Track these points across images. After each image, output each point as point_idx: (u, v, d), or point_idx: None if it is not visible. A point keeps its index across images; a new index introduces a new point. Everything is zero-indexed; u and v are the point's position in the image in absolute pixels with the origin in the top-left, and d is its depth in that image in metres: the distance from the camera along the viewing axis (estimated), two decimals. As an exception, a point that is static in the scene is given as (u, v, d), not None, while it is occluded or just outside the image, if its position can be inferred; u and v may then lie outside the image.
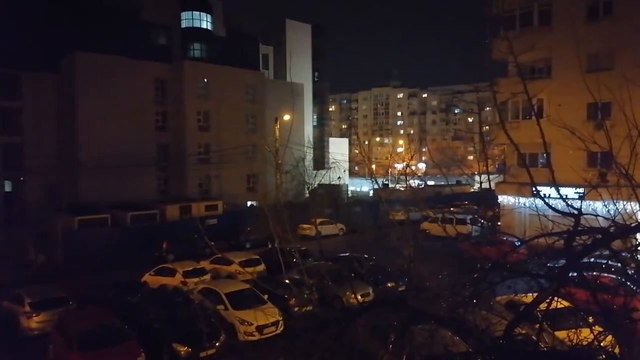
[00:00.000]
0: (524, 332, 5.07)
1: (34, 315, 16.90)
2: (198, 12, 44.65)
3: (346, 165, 57.30)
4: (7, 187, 38.76)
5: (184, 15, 44.52)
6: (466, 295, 4.72)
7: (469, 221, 21.08)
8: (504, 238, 11.39)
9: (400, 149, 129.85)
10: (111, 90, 38.36)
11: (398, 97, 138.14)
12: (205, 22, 45.11)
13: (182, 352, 14.41)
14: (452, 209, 37.44)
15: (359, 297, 18.19)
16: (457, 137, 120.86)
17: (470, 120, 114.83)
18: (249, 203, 45.43)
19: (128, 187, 37.62)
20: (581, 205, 4.67)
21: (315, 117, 62.57)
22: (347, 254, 22.57)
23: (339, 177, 42.70)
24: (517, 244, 5.58)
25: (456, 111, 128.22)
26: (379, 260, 21.61)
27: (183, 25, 44.62)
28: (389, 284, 19.08)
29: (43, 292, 18.42)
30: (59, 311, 16.66)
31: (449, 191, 41.58)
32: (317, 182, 31.40)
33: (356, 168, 75.17)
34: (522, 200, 26.41)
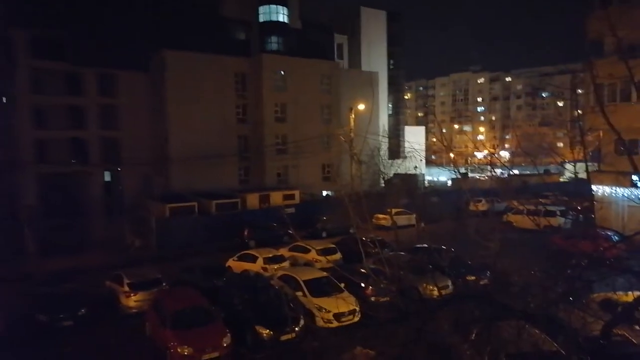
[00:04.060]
0: (622, 333, 4.70)
1: (132, 294, 18.48)
2: (275, 6, 45.68)
3: (423, 154, 55.92)
4: (107, 177, 42.66)
5: (262, 9, 45.76)
6: (559, 291, 4.47)
7: (559, 213, 19.66)
8: (601, 232, 10.51)
9: (481, 137, 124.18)
10: (196, 86, 40.61)
11: (478, 82, 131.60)
12: (281, 15, 46.06)
13: (265, 335, 15.05)
14: (539, 199, 35.18)
15: (437, 289, 17.86)
16: (545, 122, 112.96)
17: (560, 104, 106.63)
18: (324, 192, 46.06)
19: (212, 176, 39.78)
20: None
21: (390, 105, 61.59)
22: (425, 245, 22.13)
23: (416, 167, 41.70)
24: (616, 238, 5.16)
25: (544, 95, 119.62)
26: (458, 252, 20.95)
27: (261, 19, 45.90)
28: (469, 277, 18.41)
29: (140, 273, 20.07)
30: (154, 291, 18.10)
31: (537, 181, 39.05)
32: (392, 172, 31.00)
33: (433, 157, 73.13)
34: (621, 190, 24.15)
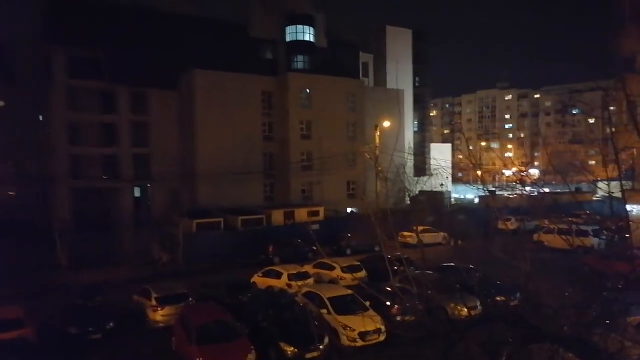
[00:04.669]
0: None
1: (159, 308, 18.70)
2: (301, 26, 46.61)
3: (449, 171, 55.25)
4: (136, 192, 43.68)
5: (289, 29, 46.75)
6: (594, 314, 4.33)
7: (592, 233, 19.04)
8: (637, 253, 10.14)
9: (509, 154, 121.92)
10: (223, 103, 41.49)
11: (506, 98, 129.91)
12: (308, 34, 46.94)
13: (289, 352, 14.98)
14: (571, 218, 34.19)
15: (465, 310, 17.44)
16: (576, 140, 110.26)
17: (591, 121, 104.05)
18: (349, 209, 45.94)
19: (238, 192, 40.25)
20: None
21: (416, 122, 61.39)
22: (452, 264, 21.73)
23: (442, 184, 41.32)
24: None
25: (574, 112, 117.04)
26: (487, 272, 20.47)
27: (288, 38, 46.82)
28: (498, 298, 17.93)
29: (167, 288, 20.28)
30: (181, 306, 18.28)
31: (568, 199, 38.00)
32: (418, 189, 30.75)
33: (460, 174, 72.12)
34: (658, 210, 23.21)
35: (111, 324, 17.83)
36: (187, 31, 42.65)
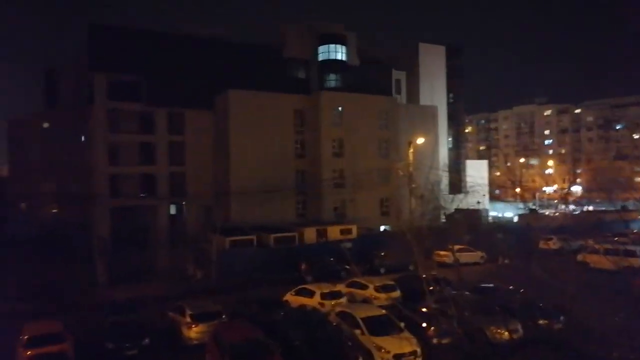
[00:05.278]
0: None
1: (193, 325, 18.82)
2: (334, 45, 47.19)
3: (486, 188, 53.85)
4: (172, 210, 44.68)
5: (321, 49, 47.36)
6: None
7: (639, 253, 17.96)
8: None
9: (549, 171, 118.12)
10: (257, 122, 42.21)
11: (545, 114, 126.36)
12: (340, 53, 47.43)
13: (321, 373, 14.68)
14: (617, 238, 32.45)
15: (506, 333, 16.66)
16: (621, 156, 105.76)
17: (636, 136, 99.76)
18: (382, 227, 45.36)
19: (270, 210, 40.51)
20: None
21: (450, 139, 60.44)
22: (491, 285, 20.93)
23: (478, 202, 40.25)
24: None
25: (617, 127, 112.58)
26: (528, 294, 19.55)
27: (320, 58, 47.40)
28: (541, 321, 17.04)
29: (201, 305, 20.43)
30: (215, 323, 18.31)
31: (613, 218, 36.17)
32: (454, 207, 30.02)
33: (497, 192, 70.20)
34: None
35: (147, 340, 18.03)
36: (222, 54, 43.90)
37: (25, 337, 16.60)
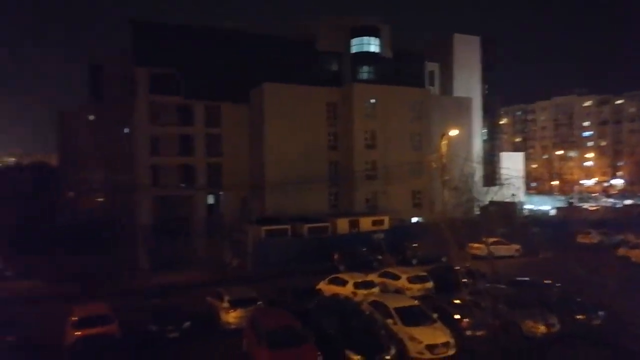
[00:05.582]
0: None
1: (231, 311, 19.51)
2: (367, 37, 47.12)
3: (521, 181, 52.71)
4: (210, 200, 45.97)
5: (354, 41, 47.37)
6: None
7: (686, 249, 17.41)
8: None
9: (588, 164, 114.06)
10: (291, 115, 42.79)
11: (584, 105, 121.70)
12: (373, 45, 47.32)
13: (355, 360, 15.01)
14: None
15: (542, 327, 16.56)
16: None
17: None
18: (414, 219, 45.26)
19: (303, 201, 41.12)
20: None
21: (485, 130, 59.34)
22: (526, 279, 20.74)
23: (513, 194, 39.46)
24: None
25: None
26: (565, 288, 19.31)
27: (353, 50, 47.40)
28: (579, 316, 16.82)
29: (238, 291, 21.13)
30: (251, 309, 18.91)
31: (657, 212, 34.88)
32: (488, 199, 29.68)
33: (534, 184, 68.49)
34: None
35: (187, 324, 18.85)
36: (258, 48, 44.72)
37: (75, 318, 17.53)
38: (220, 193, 45.14)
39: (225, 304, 19.83)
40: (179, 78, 42.53)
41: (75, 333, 16.76)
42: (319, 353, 14.97)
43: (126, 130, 45.78)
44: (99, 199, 48.08)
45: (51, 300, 23.97)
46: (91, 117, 50.04)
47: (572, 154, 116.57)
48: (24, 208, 38.78)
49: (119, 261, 31.03)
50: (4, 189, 40.49)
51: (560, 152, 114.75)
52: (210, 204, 45.67)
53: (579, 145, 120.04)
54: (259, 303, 19.99)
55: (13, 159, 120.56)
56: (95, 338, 16.52)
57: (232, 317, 19.32)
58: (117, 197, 45.02)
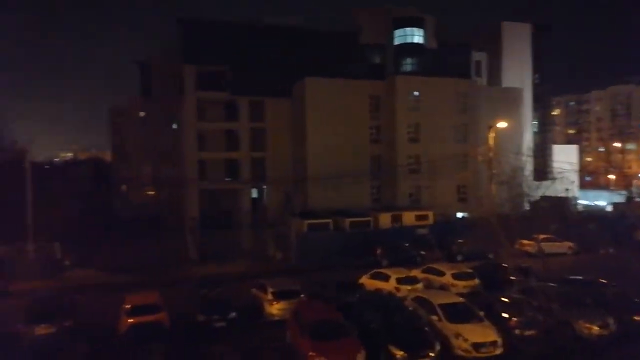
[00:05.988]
0: None
1: (275, 302, 19.86)
2: (410, 28, 46.29)
3: (576, 175, 50.25)
4: (254, 193, 46.85)
5: (397, 32, 46.66)
6: None
7: None
8: None
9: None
10: (333, 109, 42.78)
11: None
12: (417, 36, 46.45)
13: (399, 356, 14.85)
14: None
15: (597, 328, 15.77)
16: None
17: None
18: (459, 214, 44.20)
19: (346, 195, 41.12)
20: None
21: (536, 122, 56.95)
22: (579, 277, 19.80)
23: (567, 189, 37.68)
24: None
25: None
26: (623, 287, 18.30)
27: (396, 42, 46.71)
28: (637, 317, 15.90)
29: (282, 284, 21.46)
30: (294, 301, 19.18)
31: None
32: (539, 194, 28.54)
33: (589, 178, 65.15)
34: None
35: (233, 314, 19.32)
36: (300, 43, 44.99)
37: (128, 306, 18.36)
38: (264, 187, 45.93)
39: (269, 296, 20.17)
40: (225, 74, 43.49)
41: (128, 320, 17.56)
42: (362, 347, 14.95)
43: (174, 126, 47.34)
44: (150, 193, 50.07)
45: (106, 289, 25.23)
46: (141, 114, 52.06)
47: (630, 146, 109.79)
48: (83, 201, 40.95)
49: (169, 252, 32.22)
50: (64, 182, 42.88)
51: (618, 144, 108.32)
52: (254, 198, 46.56)
53: (638, 136, 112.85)
54: (301, 296, 20.21)
55: (70, 154, 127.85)
56: (146, 325, 17.23)
57: (275, 308, 19.65)
58: (167, 190, 46.71)
